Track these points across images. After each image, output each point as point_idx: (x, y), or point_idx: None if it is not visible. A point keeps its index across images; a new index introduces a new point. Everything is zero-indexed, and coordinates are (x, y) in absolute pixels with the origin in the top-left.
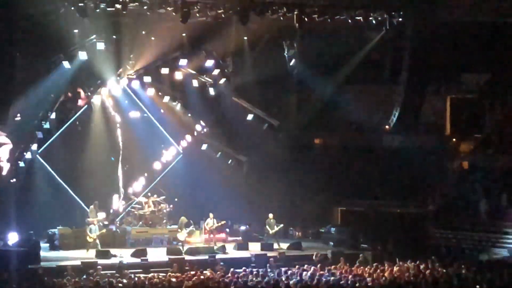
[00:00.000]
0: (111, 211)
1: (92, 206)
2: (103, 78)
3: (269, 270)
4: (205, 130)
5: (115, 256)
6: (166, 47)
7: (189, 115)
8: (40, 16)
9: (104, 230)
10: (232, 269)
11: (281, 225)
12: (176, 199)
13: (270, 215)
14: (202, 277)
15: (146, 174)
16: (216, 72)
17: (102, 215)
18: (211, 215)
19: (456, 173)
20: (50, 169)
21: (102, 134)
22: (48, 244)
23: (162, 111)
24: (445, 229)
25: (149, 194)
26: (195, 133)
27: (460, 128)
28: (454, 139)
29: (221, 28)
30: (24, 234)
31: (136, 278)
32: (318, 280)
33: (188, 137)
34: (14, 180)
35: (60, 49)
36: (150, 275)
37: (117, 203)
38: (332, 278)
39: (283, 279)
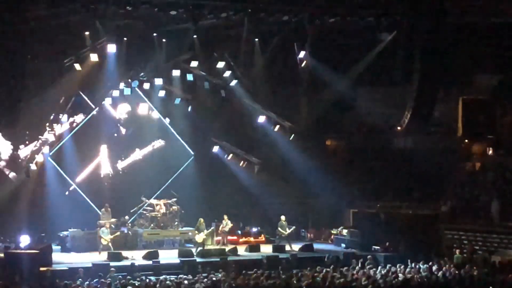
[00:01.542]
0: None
1: (103, 209)
2: (115, 80)
3: (281, 272)
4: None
5: (126, 258)
6: (177, 49)
7: None
8: (51, 18)
9: (117, 233)
10: (244, 271)
11: (294, 227)
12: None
13: (283, 217)
14: (214, 279)
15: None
16: (227, 73)
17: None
18: (225, 216)
19: (468, 174)
20: (62, 171)
21: (113, 136)
22: (59, 247)
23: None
24: (458, 230)
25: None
26: None
27: (473, 129)
28: (466, 140)
29: (232, 30)
30: (35, 236)
31: (147, 280)
32: (330, 282)
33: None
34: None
35: (71, 51)
36: (161, 277)
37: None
38: (343, 279)
39: (295, 281)
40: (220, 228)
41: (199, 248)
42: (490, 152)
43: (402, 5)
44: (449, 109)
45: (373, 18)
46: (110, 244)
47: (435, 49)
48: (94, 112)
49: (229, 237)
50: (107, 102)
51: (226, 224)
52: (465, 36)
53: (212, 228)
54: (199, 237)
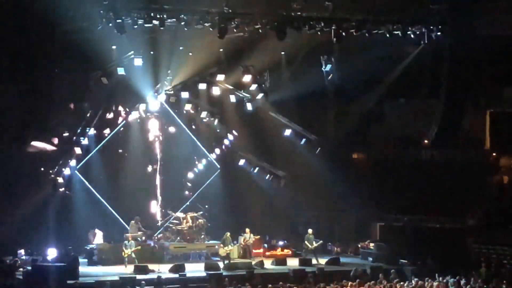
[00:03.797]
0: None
1: (133, 221)
2: (141, 94)
3: (307, 285)
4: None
5: (153, 271)
6: (203, 63)
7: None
8: (78, 32)
9: (139, 247)
10: (270, 285)
11: (320, 241)
12: (206, 214)
13: (310, 231)
14: None
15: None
16: (253, 87)
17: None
18: (247, 230)
19: (496, 188)
20: (89, 185)
21: (140, 149)
22: (86, 259)
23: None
24: (485, 244)
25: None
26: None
27: (500, 142)
28: (494, 153)
29: (258, 43)
30: (62, 249)
31: None
32: None
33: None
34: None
35: (98, 65)
36: None
37: (155, 208)
38: None
39: None
40: (242, 241)
41: (226, 261)
42: None
43: (430, 18)
44: (477, 122)
45: (400, 32)
46: (133, 256)
47: (463, 62)
48: (121, 125)
49: (255, 251)
50: (134, 114)
51: (250, 237)
52: (493, 48)
53: (238, 243)
54: (222, 251)
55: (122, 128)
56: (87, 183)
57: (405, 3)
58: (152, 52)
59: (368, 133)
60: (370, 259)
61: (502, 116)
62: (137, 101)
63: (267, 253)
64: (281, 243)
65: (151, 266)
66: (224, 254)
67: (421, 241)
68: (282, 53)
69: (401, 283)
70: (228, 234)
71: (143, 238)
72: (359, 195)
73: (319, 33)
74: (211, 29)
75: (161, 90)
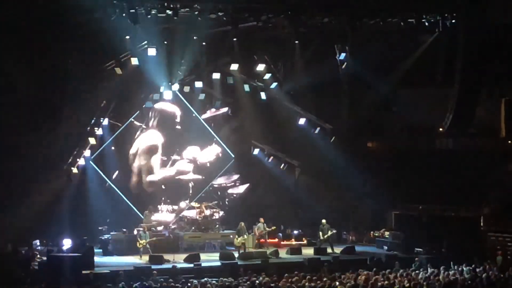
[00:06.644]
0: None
1: (147, 211)
2: (155, 83)
3: (322, 274)
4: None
5: (168, 261)
6: (217, 52)
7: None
8: (92, 23)
9: (154, 238)
10: (286, 274)
11: (335, 231)
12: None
13: (323, 221)
14: (256, 282)
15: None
16: (267, 76)
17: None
18: (261, 219)
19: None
20: (103, 175)
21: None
22: (101, 250)
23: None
24: (501, 233)
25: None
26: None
27: None
28: (509, 141)
29: (272, 32)
30: (78, 239)
31: (189, 283)
32: (373, 285)
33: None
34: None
35: (112, 55)
36: (203, 280)
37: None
38: (386, 282)
39: (337, 283)
40: (256, 231)
41: (241, 251)
42: None
43: (444, 6)
44: (492, 110)
45: (414, 19)
46: (148, 246)
47: (477, 50)
48: (135, 116)
49: (270, 240)
50: (148, 104)
51: (264, 228)
52: (507, 36)
53: (252, 232)
54: (237, 241)
55: (136, 119)
56: (101, 173)
57: None
58: (165, 42)
59: (383, 122)
60: (385, 247)
61: None
62: (151, 91)
63: (282, 243)
64: (295, 232)
65: (166, 256)
66: (239, 244)
67: (436, 230)
68: (296, 42)
69: (416, 271)
70: (243, 223)
71: (158, 228)
72: (374, 184)
73: (333, 21)
74: (224, 18)
75: (174, 80)
